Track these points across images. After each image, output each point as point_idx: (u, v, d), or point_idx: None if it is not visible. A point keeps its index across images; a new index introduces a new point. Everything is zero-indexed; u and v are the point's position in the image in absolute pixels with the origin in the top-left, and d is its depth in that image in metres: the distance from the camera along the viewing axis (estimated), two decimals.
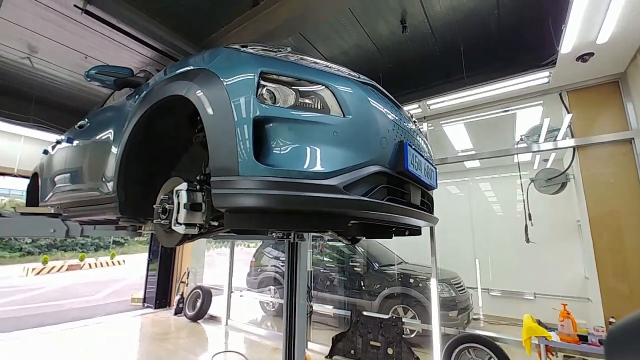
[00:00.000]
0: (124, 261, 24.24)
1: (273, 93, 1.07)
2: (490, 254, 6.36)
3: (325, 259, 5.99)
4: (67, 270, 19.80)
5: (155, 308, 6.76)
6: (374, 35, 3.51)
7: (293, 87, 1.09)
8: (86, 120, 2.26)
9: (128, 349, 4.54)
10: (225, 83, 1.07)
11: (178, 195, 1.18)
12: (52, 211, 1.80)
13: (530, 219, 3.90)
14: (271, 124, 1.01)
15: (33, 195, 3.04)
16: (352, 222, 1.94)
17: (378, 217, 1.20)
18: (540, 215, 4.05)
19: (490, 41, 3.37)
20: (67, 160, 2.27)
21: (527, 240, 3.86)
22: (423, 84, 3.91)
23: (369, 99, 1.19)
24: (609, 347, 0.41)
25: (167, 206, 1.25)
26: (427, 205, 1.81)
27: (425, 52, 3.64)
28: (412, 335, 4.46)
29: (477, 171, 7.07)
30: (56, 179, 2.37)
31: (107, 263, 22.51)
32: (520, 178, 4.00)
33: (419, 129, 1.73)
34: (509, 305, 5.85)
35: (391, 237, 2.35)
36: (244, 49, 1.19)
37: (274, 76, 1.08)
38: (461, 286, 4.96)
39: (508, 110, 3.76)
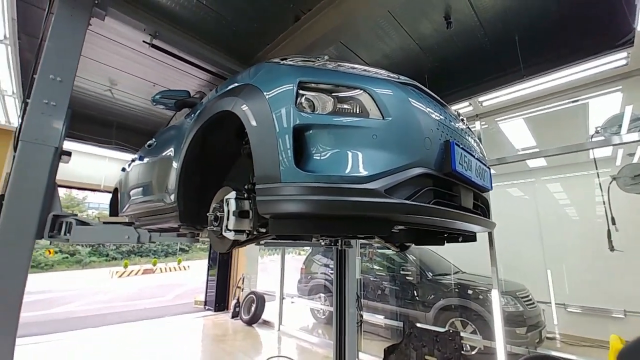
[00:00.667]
0: (188, 266, 26.40)
1: (312, 101, 1.10)
2: (565, 264, 5.60)
3: (375, 267, 5.85)
4: (142, 273, 22.30)
5: (215, 311, 7.23)
6: (417, 36, 3.40)
7: (331, 94, 1.11)
8: (153, 139, 2.56)
9: (191, 347, 4.91)
10: (266, 95, 1.14)
11: (228, 204, 1.27)
12: (127, 220, 2.06)
13: (613, 223, 3.36)
14: (310, 131, 1.04)
15: (114, 207, 3.51)
16: (397, 227, 1.88)
17: (424, 222, 1.15)
18: (626, 219, 3.47)
19: (548, 27, 3.04)
20: (138, 176, 2.59)
21: (611, 249, 3.32)
22: (473, 81, 3.66)
23: (410, 99, 1.16)
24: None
25: (218, 214, 1.35)
26: (482, 209, 1.68)
27: (473, 47, 3.42)
28: (473, 353, 4.09)
29: (543, 171, 6.34)
30: (131, 192, 2.71)
31: (174, 268, 24.82)
32: (598, 176, 3.48)
33: (468, 128, 1.63)
34: (591, 324, 5.05)
35: (443, 244, 2.22)
36: (284, 61, 1.25)
37: (312, 85, 1.11)
38: (530, 300, 4.44)
39: (577, 101, 3.32)
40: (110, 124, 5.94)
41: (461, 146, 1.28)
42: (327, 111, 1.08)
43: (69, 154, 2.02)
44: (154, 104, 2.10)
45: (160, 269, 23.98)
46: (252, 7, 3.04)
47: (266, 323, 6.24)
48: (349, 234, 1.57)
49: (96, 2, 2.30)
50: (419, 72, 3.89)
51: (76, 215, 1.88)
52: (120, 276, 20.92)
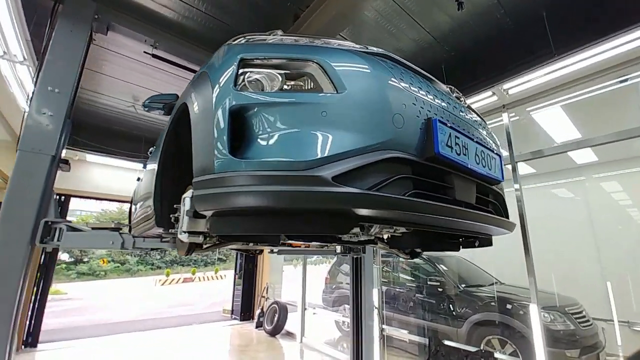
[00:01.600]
0: (225, 275, 27.23)
1: (258, 80, 0.95)
2: (630, 275, 4.79)
3: (403, 276, 5.46)
4: (182, 282, 23.42)
5: (241, 320, 7.22)
6: (429, 25, 3.15)
7: (280, 70, 0.95)
8: (154, 146, 2.57)
9: (210, 357, 4.88)
10: (210, 78, 1.01)
11: (184, 203, 1.15)
12: (113, 226, 2.04)
13: None
14: (251, 113, 0.89)
15: (130, 217, 3.61)
16: (398, 230, 1.64)
17: (400, 218, 0.93)
18: None
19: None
20: (140, 184, 2.61)
21: None
22: (496, 68, 3.27)
23: (373, 70, 0.96)
24: None
25: (178, 215, 1.24)
26: (494, 206, 1.40)
27: (493, 29, 3.07)
28: None
29: (595, 167, 5.56)
30: (135, 200, 2.74)
31: (212, 277, 25.73)
32: None
33: (466, 106, 1.37)
34: None
35: (458, 249, 1.93)
36: (235, 41, 1.12)
37: (257, 61, 0.96)
38: (583, 317, 3.81)
39: (626, 80, 2.82)
40: (140, 139, 6.29)
41: (450, 125, 1.05)
42: (276, 88, 0.93)
43: (66, 162, 2.06)
44: (145, 109, 2.09)
45: (199, 277, 24.99)
46: (253, 11, 3.01)
47: (290, 334, 6.07)
48: (303, 233, 1.37)
49: (96, 16, 2.39)
50: (435, 64, 3.60)
51: (70, 221, 1.89)
52: (162, 284, 22.12)
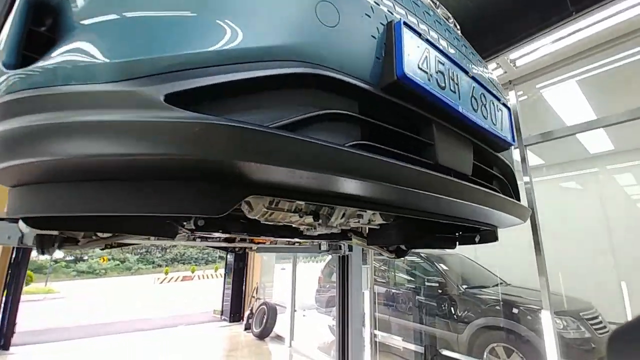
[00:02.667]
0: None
1: None
2: None
3: (400, 276, 5.06)
4: (182, 280, 23.20)
5: (230, 322, 6.86)
6: None
7: None
8: None
9: None
10: None
11: None
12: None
13: None
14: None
15: None
16: (374, 222, 1.24)
17: (327, 188, 0.52)
18: None
19: None
20: None
21: None
22: (503, 37, 2.83)
23: None
24: (611, 349, 0.46)
25: None
26: (501, 183, 0.99)
27: None
28: None
29: (610, 157, 5.10)
30: None
31: (212, 275, 25.49)
32: None
33: (459, 34, 0.95)
34: None
35: (454, 246, 1.52)
36: None
37: None
38: (599, 322, 3.39)
39: None
40: None
41: (427, 39, 0.63)
42: None
43: None
44: None
45: (198, 276, 24.75)
46: None
47: (280, 338, 5.69)
48: (139, 211, 0.96)
49: None
50: None
51: None
52: (161, 282, 21.92)
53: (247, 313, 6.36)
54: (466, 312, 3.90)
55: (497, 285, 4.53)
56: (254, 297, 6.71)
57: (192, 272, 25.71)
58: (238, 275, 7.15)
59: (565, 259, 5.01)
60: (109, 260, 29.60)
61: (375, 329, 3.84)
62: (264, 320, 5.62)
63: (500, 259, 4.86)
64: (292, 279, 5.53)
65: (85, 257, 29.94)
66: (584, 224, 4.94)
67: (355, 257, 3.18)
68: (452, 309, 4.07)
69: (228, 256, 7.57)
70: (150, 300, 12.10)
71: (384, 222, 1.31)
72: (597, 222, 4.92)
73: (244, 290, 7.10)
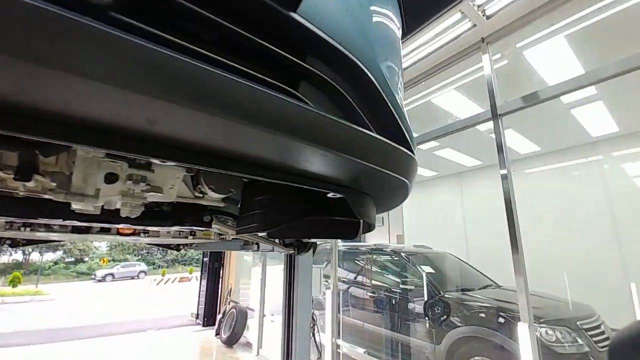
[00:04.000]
0: None
1: None
2: None
3: (378, 278, 4.54)
4: (179, 281, 22.89)
5: (204, 325, 6.42)
6: None
7: None
8: None
9: None
10: None
11: None
12: None
13: None
14: None
15: None
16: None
17: None
18: None
19: None
20: None
21: None
22: None
23: None
24: (612, 355, 0.48)
25: None
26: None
27: None
28: None
29: (615, 142, 4.52)
30: None
31: None
32: None
33: None
34: None
35: (353, 237, 1.02)
36: None
37: None
38: (601, 332, 2.84)
39: None
40: None
41: None
42: None
43: None
44: None
45: (196, 277, 24.44)
46: None
47: (249, 345, 5.21)
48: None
49: None
50: None
51: None
52: (157, 284, 21.66)
53: (219, 317, 5.91)
54: (445, 320, 3.37)
55: (486, 287, 3.99)
56: (227, 299, 6.25)
57: (190, 273, 25.43)
58: (213, 276, 6.70)
59: (568, 258, 4.45)
60: (109, 261, 29.53)
61: (339, 338, 3.34)
62: (232, 325, 5.15)
63: (495, 259, 4.28)
64: (261, 281, 5.04)
65: (86, 259, 29.96)
66: (588, 219, 4.39)
67: (303, 257, 2.69)
68: (430, 314, 3.55)
69: (203, 255, 7.14)
70: (138, 302, 11.75)
71: (223, 195, 0.83)
72: (602, 217, 4.36)
73: (220, 291, 6.66)
